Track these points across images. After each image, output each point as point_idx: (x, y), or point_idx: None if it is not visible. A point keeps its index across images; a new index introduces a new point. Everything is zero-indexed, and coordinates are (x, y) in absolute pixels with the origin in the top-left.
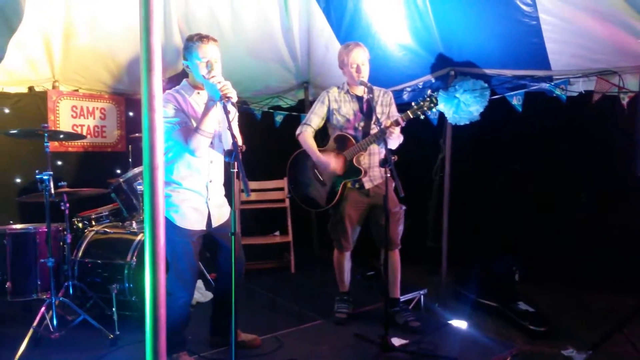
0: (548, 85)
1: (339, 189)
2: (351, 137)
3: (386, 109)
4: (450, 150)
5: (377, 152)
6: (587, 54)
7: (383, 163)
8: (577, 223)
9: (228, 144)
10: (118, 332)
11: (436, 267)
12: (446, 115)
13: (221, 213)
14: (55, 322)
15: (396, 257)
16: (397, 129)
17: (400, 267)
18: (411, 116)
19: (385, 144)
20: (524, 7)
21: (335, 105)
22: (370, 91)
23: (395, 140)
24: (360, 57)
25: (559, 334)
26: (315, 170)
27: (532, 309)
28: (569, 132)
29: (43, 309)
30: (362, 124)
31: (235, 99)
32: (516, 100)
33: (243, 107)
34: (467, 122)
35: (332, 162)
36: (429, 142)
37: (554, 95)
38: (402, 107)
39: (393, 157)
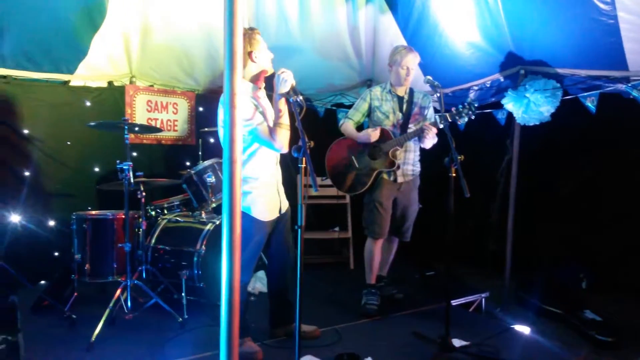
0: (625, 86)
1: (373, 176)
2: (390, 131)
3: (425, 111)
4: (518, 152)
5: (412, 150)
6: None
7: (449, 162)
8: None
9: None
10: (186, 316)
11: (498, 270)
12: (515, 115)
13: (285, 201)
14: (129, 304)
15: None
16: (434, 130)
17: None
18: (449, 120)
19: (451, 142)
20: (602, 5)
21: (377, 102)
22: (411, 93)
23: (431, 140)
24: (413, 62)
25: (628, 346)
26: (353, 157)
27: (600, 318)
28: None
29: (119, 291)
30: (401, 121)
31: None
32: (590, 102)
33: (306, 104)
34: (537, 123)
35: (370, 131)
36: (495, 142)
37: (631, 97)
38: None
39: (460, 157)
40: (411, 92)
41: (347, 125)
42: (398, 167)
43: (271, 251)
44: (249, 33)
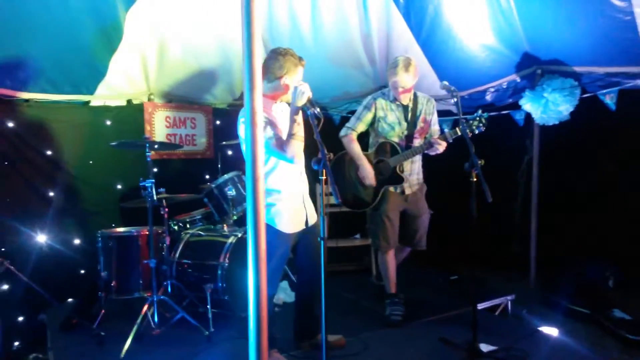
0: None
1: (380, 192)
2: (396, 144)
3: (429, 117)
4: (538, 152)
5: (417, 160)
6: None
7: (470, 166)
8: None
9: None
10: (213, 329)
11: (523, 272)
12: (533, 116)
13: (313, 214)
14: (156, 319)
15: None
16: (444, 144)
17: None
18: (459, 134)
19: (470, 147)
20: (617, 3)
21: (382, 113)
22: (415, 99)
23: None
24: (406, 82)
25: None
26: (358, 173)
27: (629, 317)
28: None
29: (145, 306)
30: (406, 132)
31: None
32: (609, 99)
33: (322, 112)
34: (556, 122)
35: (372, 174)
36: (513, 143)
37: None
38: (484, 107)
39: (480, 161)
40: (415, 97)
41: (350, 138)
42: (405, 181)
43: (301, 263)
44: (293, 60)
